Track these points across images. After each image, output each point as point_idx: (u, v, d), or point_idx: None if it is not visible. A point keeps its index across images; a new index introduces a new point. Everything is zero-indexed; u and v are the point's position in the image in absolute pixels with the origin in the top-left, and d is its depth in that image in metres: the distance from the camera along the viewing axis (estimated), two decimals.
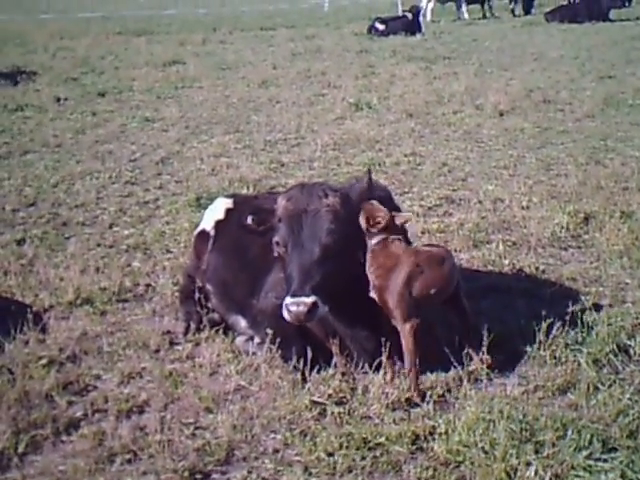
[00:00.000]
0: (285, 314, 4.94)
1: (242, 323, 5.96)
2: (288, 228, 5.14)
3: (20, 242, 8.06)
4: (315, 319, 5.01)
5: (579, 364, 5.28)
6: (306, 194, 5.23)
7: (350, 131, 12.42)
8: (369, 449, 4.57)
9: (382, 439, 4.62)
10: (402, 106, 14.15)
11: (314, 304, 4.89)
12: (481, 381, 5.19)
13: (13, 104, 15.02)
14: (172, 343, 6.01)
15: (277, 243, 5.19)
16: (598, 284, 6.75)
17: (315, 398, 5.06)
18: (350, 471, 4.42)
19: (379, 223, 5.12)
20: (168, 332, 6.17)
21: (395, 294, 5.05)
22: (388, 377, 5.15)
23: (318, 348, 5.39)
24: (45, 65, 19.94)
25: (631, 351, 5.49)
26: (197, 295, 6.18)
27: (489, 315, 5.99)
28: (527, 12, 31.23)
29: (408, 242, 5.50)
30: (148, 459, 4.58)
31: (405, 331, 5.05)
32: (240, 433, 4.77)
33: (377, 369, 5.22)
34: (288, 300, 4.93)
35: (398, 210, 6.15)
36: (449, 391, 5.14)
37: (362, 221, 5.14)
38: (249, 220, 5.42)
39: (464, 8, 30.90)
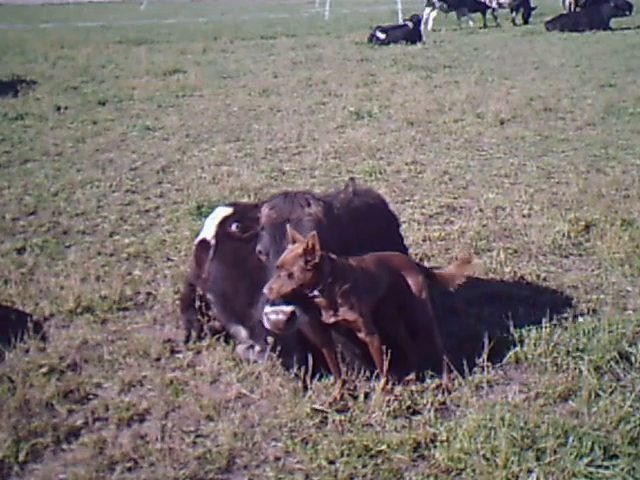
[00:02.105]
0: (265, 323, 4.98)
1: (243, 333, 5.95)
2: (270, 236, 5.19)
3: (20, 251, 8.06)
4: (295, 328, 5.02)
5: (580, 371, 5.28)
6: (289, 203, 5.26)
7: (351, 139, 12.42)
8: (370, 457, 4.57)
9: (383, 447, 4.62)
10: (403, 114, 14.16)
11: (293, 313, 4.91)
12: (482, 388, 5.20)
13: (13, 113, 15.04)
14: (173, 351, 6.01)
15: (259, 251, 5.23)
16: (599, 291, 6.75)
17: (316, 406, 5.06)
18: (351, 479, 4.42)
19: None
20: (169, 340, 6.17)
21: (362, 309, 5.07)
22: (389, 385, 5.14)
23: (319, 356, 5.37)
24: (45, 74, 19.95)
25: (632, 358, 5.49)
26: (198, 303, 6.18)
27: (490, 322, 6.01)
28: (526, 21, 31.27)
29: None
30: (149, 467, 4.57)
31: (375, 343, 5.09)
32: (241, 441, 4.77)
33: (378, 377, 5.20)
34: (267, 309, 4.96)
35: (392, 217, 6.16)
36: (450, 398, 5.14)
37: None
38: (233, 227, 5.45)
39: (469, 17, 30.85)
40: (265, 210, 5.31)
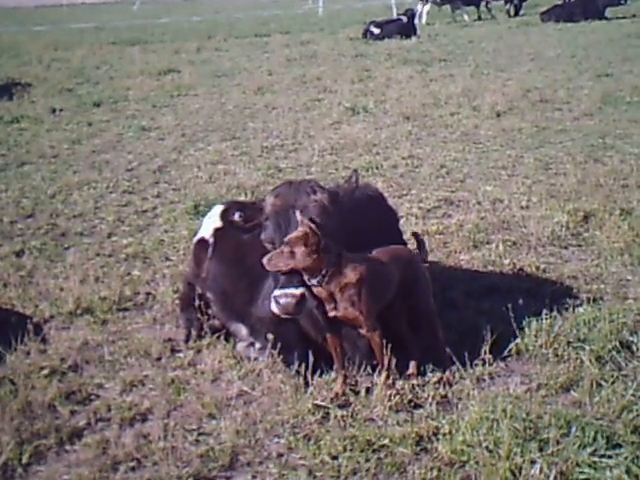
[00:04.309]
0: (273, 307, 4.98)
1: (243, 331, 5.95)
2: (275, 223, 5.18)
3: (19, 253, 8.05)
4: (303, 312, 5.03)
5: (582, 361, 5.28)
6: (294, 191, 5.27)
7: (347, 135, 12.41)
8: (373, 451, 4.57)
9: (386, 441, 4.62)
10: (399, 109, 14.16)
11: (302, 296, 4.92)
12: (483, 380, 5.20)
13: (9, 116, 15.01)
14: (173, 350, 6.01)
15: (265, 240, 5.22)
16: (599, 281, 6.75)
17: (318, 402, 5.06)
18: (355, 473, 4.42)
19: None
20: (169, 340, 6.17)
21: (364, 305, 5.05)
22: (390, 379, 5.13)
23: (319, 352, 5.37)
24: (40, 76, 19.92)
25: (634, 347, 5.49)
26: (197, 302, 6.17)
27: (490, 315, 6.01)
28: (516, 13, 31.27)
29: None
30: (152, 466, 4.57)
31: (376, 339, 5.07)
32: (244, 438, 4.76)
33: (379, 371, 5.19)
34: (277, 292, 4.96)
35: (391, 212, 6.16)
36: (452, 391, 5.14)
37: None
38: (236, 216, 5.43)
39: (464, 10, 30.83)
40: (270, 199, 5.29)
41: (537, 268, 7.07)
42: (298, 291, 4.92)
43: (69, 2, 53.08)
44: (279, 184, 5.67)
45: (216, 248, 6.28)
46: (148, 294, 7.00)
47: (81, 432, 4.95)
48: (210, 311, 6.18)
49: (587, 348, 5.40)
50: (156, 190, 10.20)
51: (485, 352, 5.30)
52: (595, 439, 4.42)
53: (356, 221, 5.33)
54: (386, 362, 5.07)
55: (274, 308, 4.97)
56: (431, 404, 4.96)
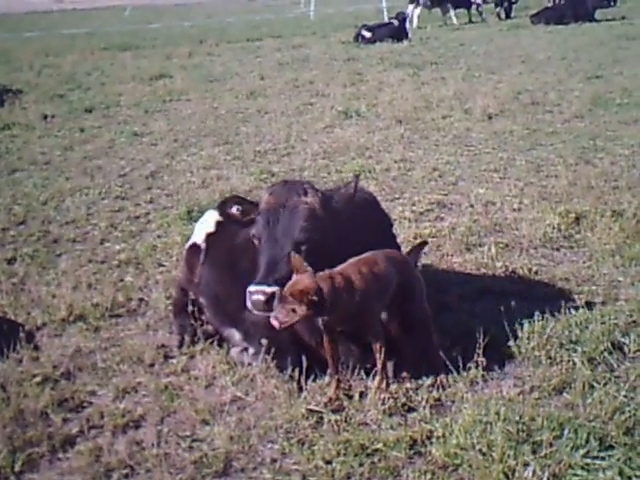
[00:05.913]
0: (247, 301, 5.05)
1: (236, 336, 5.94)
2: (264, 221, 5.27)
3: (11, 261, 8.03)
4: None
5: (574, 363, 5.29)
6: (287, 190, 5.37)
7: (340, 139, 12.43)
8: (367, 455, 4.56)
9: (380, 445, 4.61)
10: (391, 112, 14.17)
11: (273, 294, 4.96)
12: (477, 383, 5.20)
13: (0, 123, 14.98)
14: (167, 357, 5.99)
15: (254, 235, 5.31)
16: (591, 283, 6.76)
17: (312, 406, 5.04)
18: (349, 478, 4.41)
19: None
20: (162, 346, 6.15)
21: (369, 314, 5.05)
22: (383, 383, 5.13)
23: (313, 356, 5.37)
24: (31, 83, 19.92)
25: (625, 348, 5.50)
26: (190, 308, 6.17)
27: (483, 317, 6.00)
28: (507, 15, 31.36)
29: None
30: (145, 473, 4.56)
31: (380, 342, 5.06)
32: (237, 444, 4.75)
33: (373, 375, 5.19)
34: (251, 288, 5.04)
35: (384, 216, 6.16)
36: (445, 394, 5.14)
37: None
38: (234, 209, 5.50)
39: (452, 13, 30.96)
40: (265, 196, 5.41)
41: (529, 270, 7.08)
42: (270, 289, 4.97)
43: (60, 8, 53.09)
44: (277, 182, 5.74)
45: (208, 253, 6.29)
46: (141, 300, 6.99)
47: (74, 440, 4.93)
48: (203, 316, 6.18)
49: (579, 350, 5.41)
50: (149, 196, 10.19)
51: (478, 355, 5.29)
52: (588, 441, 4.42)
53: (349, 225, 5.35)
54: (386, 366, 5.08)
55: (247, 303, 5.06)
56: (425, 407, 4.96)
